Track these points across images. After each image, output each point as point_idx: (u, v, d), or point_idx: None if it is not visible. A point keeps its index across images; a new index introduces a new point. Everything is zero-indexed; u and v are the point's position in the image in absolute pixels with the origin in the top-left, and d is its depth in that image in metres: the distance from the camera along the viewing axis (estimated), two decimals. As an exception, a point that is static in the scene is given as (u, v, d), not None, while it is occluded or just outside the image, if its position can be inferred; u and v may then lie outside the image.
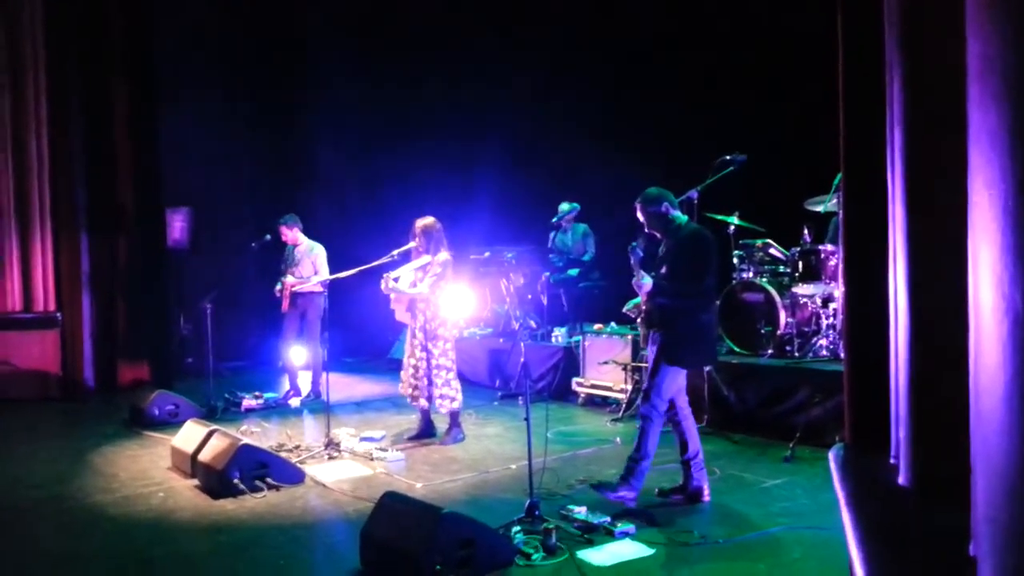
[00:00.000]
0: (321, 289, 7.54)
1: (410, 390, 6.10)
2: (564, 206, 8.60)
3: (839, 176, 2.89)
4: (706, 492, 4.58)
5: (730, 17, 8.08)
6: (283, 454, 5.56)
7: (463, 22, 10.26)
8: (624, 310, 4.78)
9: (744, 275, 6.84)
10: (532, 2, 9.72)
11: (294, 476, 5.13)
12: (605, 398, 7.30)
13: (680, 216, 4.58)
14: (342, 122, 11.26)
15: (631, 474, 4.45)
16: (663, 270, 4.49)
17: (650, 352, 4.58)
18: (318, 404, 7.60)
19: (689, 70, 8.38)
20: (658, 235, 4.60)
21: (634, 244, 4.50)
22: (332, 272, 6.18)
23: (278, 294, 7.80)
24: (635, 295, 4.63)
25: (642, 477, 4.47)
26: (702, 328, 4.50)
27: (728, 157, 6.37)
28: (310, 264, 7.78)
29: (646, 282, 4.44)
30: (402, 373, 6.19)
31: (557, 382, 7.82)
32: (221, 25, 10.78)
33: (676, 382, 4.49)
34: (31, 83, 8.73)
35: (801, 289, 6.46)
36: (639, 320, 4.67)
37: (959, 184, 1.57)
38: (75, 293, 8.81)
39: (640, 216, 4.59)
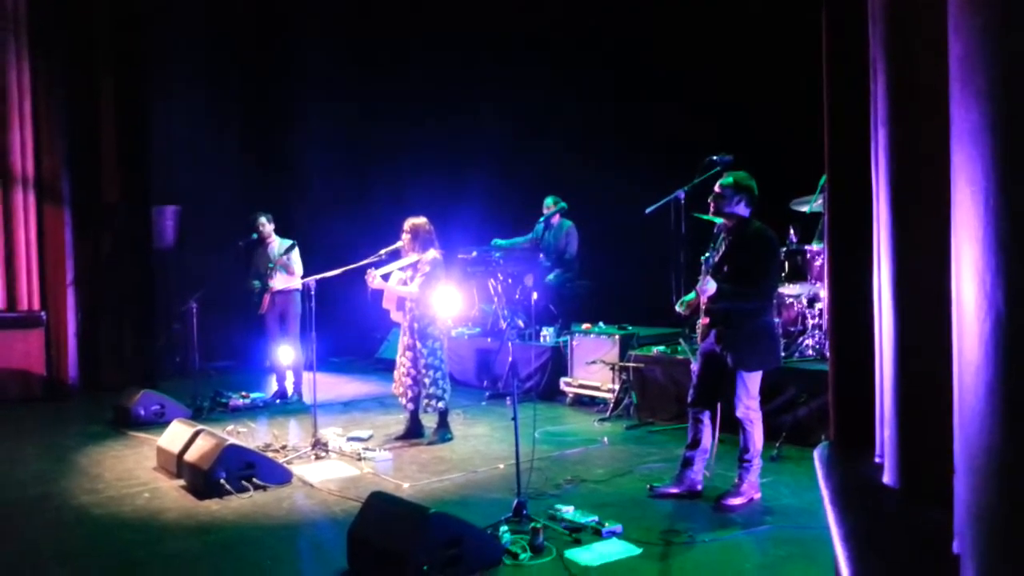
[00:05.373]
0: (299, 286, 7.49)
1: (402, 389, 6.09)
2: (549, 200, 8.59)
3: (824, 176, 2.91)
4: (699, 488, 4.65)
5: (715, 18, 8.11)
6: (270, 454, 5.54)
7: (453, 22, 10.24)
8: (677, 308, 4.75)
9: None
10: (522, 4, 9.71)
11: (281, 476, 5.11)
12: (593, 398, 7.30)
13: (746, 211, 4.53)
14: (332, 121, 11.23)
15: (745, 472, 4.52)
16: (725, 269, 4.47)
17: (702, 350, 4.60)
18: (304, 404, 7.57)
19: (675, 71, 8.39)
20: (726, 224, 4.53)
21: (707, 255, 4.52)
22: (319, 271, 6.14)
23: (256, 289, 7.71)
24: (684, 293, 4.63)
25: (757, 472, 4.55)
26: (765, 329, 4.50)
27: (715, 157, 6.38)
28: (287, 261, 7.73)
29: (710, 286, 4.41)
30: (395, 372, 6.19)
31: (545, 382, 7.81)
32: (211, 23, 10.71)
33: (757, 383, 4.50)
34: (14, 78, 8.63)
35: (787, 289, 6.49)
36: (686, 314, 4.69)
37: (943, 184, 1.58)
38: (60, 292, 8.75)
39: (720, 196, 4.47)
